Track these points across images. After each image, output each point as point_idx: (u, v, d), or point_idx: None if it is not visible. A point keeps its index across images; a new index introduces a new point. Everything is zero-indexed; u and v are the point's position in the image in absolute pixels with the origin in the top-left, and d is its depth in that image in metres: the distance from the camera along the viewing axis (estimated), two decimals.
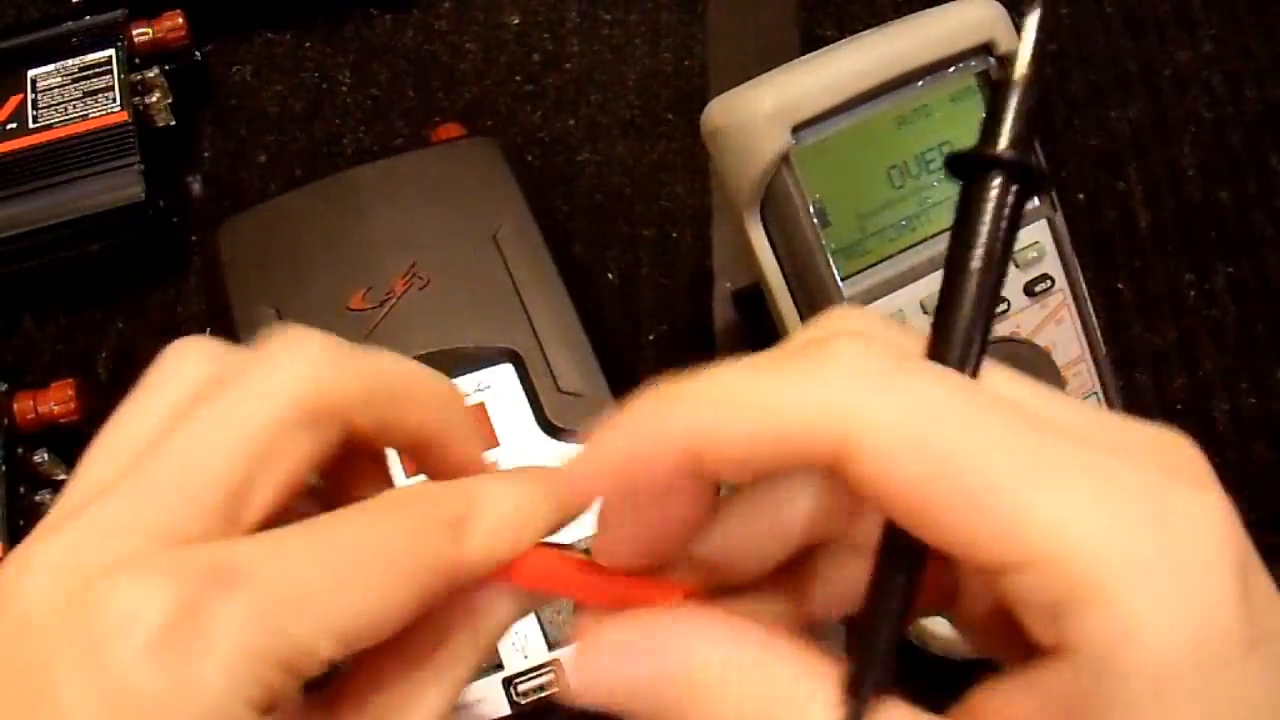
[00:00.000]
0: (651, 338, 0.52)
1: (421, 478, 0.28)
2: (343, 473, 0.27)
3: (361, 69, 0.59)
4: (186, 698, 0.20)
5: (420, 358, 0.43)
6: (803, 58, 0.40)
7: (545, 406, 0.43)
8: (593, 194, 0.56)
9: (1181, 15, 0.60)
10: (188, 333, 0.54)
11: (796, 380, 0.20)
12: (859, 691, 0.20)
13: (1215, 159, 0.56)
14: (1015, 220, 0.21)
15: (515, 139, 0.56)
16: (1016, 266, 0.41)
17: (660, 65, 0.59)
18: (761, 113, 0.38)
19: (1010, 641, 0.21)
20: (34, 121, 0.52)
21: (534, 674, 0.38)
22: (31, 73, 0.54)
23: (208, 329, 0.52)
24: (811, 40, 0.60)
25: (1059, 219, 0.42)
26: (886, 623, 0.20)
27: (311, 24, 0.61)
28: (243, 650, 0.21)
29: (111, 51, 0.54)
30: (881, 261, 0.40)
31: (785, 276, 0.40)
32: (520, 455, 0.42)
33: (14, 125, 0.52)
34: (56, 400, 0.46)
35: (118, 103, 0.53)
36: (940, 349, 0.22)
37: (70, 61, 0.54)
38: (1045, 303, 0.42)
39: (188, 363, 0.26)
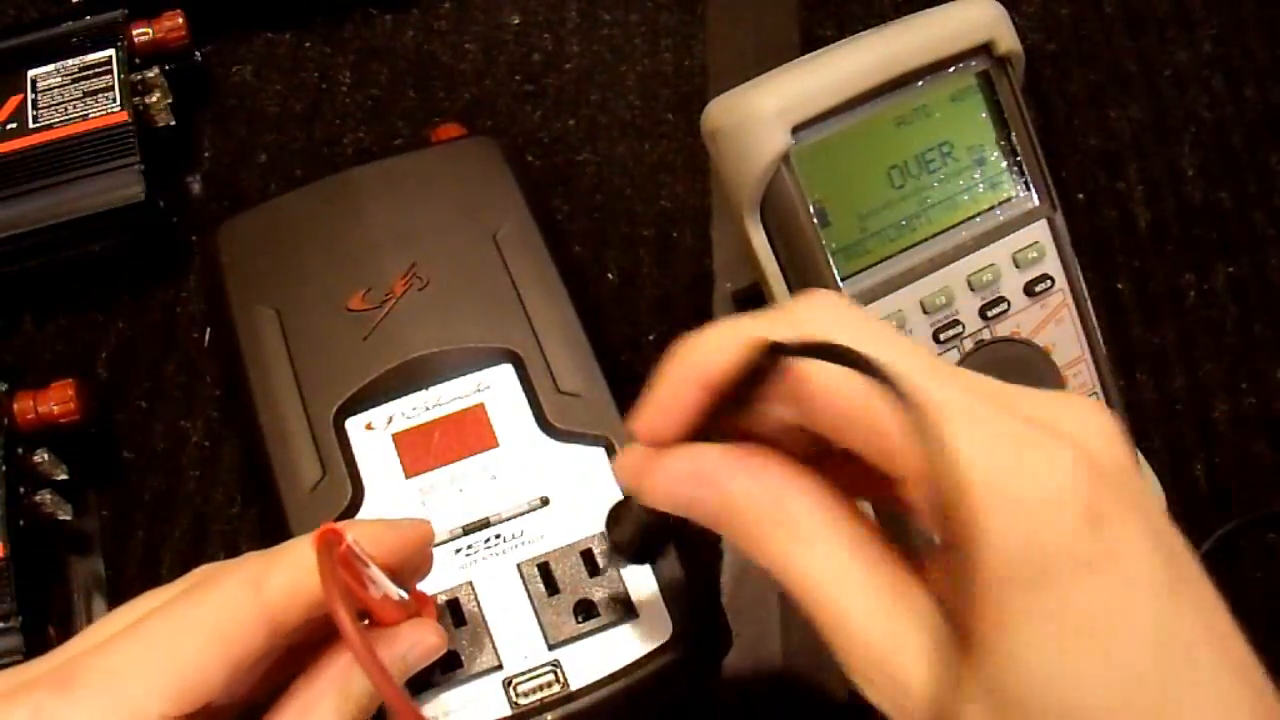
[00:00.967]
0: (651, 338, 0.52)
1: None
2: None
3: (361, 69, 0.59)
4: None
5: (420, 358, 0.44)
6: (803, 58, 0.40)
7: (545, 407, 0.43)
8: (593, 194, 0.56)
9: (1181, 15, 0.60)
10: (187, 333, 0.54)
11: (772, 323, 0.28)
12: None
13: (1215, 159, 0.56)
14: None
15: (515, 139, 0.56)
16: (1016, 267, 0.41)
17: (660, 65, 0.59)
18: (761, 113, 0.38)
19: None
20: (34, 121, 0.52)
21: (534, 674, 0.38)
22: (31, 73, 0.54)
23: (208, 329, 0.52)
24: (811, 40, 0.60)
25: (1059, 219, 0.42)
26: None
27: (311, 24, 0.61)
28: None
29: (111, 51, 0.54)
30: (881, 261, 0.40)
31: (785, 277, 0.40)
32: (520, 455, 0.42)
33: (14, 125, 0.52)
34: (56, 400, 0.46)
35: (118, 103, 0.53)
36: None
37: (70, 61, 0.54)
38: (1045, 303, 0.42)
39: None
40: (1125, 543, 0.25)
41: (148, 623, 0.30)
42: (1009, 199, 0.42)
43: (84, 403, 0.47)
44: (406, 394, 0.43)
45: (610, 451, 0.42)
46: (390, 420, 0.43)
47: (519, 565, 0.40)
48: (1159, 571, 0.25)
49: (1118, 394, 0.43)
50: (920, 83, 0.40)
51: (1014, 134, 0.42)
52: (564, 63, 0.59)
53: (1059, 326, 0.42)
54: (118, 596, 0.47)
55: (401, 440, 0.42)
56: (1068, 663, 0.25)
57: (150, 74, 0.55)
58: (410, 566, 0.35)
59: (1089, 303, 0.43)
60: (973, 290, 0.41)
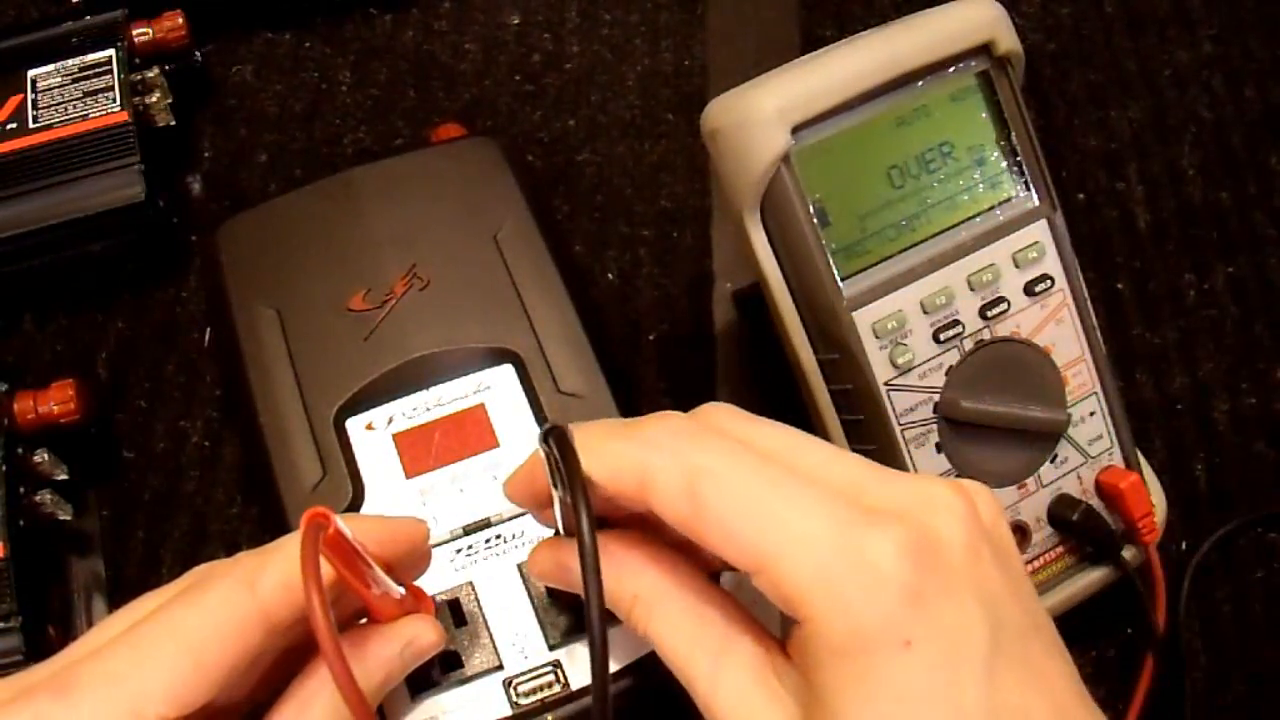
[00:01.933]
0: (651, 338, 0.52)
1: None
2: None
3: (361, 69, 0.59)
4: None
5: (420, 358, 0.44)
6: (803, 58, 0.40)
7: (545, 407, 0.43)
8: (593, 194, 0.56)
9: (1181, 15, 0.60)
10: (188, 333, 0.54)
11: (624, 441, 0.31)
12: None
13: (1215, 159, 0.56)
14: None
15: (515, 139, 0.56)
16: (1016, 267, 0.41)
17: (660, 65, 0.59)
18: (761, 113, 0.38)
19: None
20: (34, 121, 0.52)
21: (534, 674, 0.38)
22: (31, 73, 0.54)
23: (208, 329, 0.52)
24: (811, 40, 0.60)
25: (1059, 219, 0.42)
26: None
27: (311, 24, 0.61)
28: None
29: (111, 51, 0.54)
30: (881, 261, 0.40)
31: (785, 276, 0.40)
32: (521, 455, 0.42)
33: (14, 125, 0.52)
34: (56, 400, 0.46)
35: (118, 103, 0.53)
36: None
37: (70, 61, 0.54)
38: (1045, 303, 0.42)
39: None
40: (947, 619, 0.27)
41: (144, 626, 0.30)
42: (1009, 199, 0.42)
43: (84, 403, 0.47)
44: (407, 394, 0.43)
45: None
46: (391, 420, 0.43)
47: (519, 565, 0.40)
48: (984, 646, 0.27)
49: (1118, 394, 0.43)
50: (920, 83, 0.40)
51: (1014, 134, 0.42)
52: (564, 63, 0.59)
53: (1059, 326, 0.42)
54: (118, 596, 0.47)
55: (402, 440, 0.42)
56: None
57: (150, 74, 0.55)
58: (407, 563, 0.35)
59: (1089, 303, 0.43)
60: (973, 290, 0.41)
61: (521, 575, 0.40)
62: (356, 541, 0.30)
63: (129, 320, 0.53)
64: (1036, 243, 0.41)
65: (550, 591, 0.39)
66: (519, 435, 0.42)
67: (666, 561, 0.33)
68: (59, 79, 0.54)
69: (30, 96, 0.53)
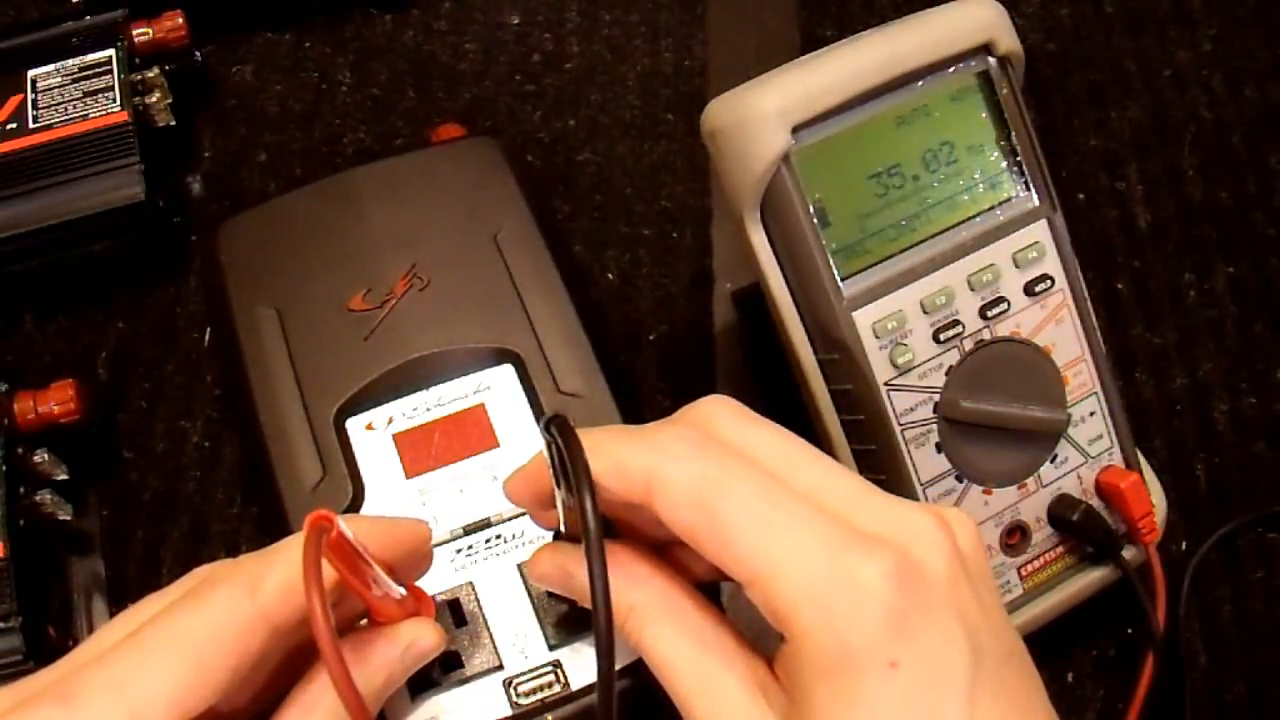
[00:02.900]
0: (651, 338, 0.52)
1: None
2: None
3: (361, 69, 0.59)
4: None
5: (421, 358, 0.43)
6: (803, 58, 0.40)
7: (545, 407, 0.42)
8: (593, 194, 0.56)
9: (1181, 15, 0.60)
10: (187, 333, 0.54)
11: (633, 445, 0.32)
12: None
13: (1215, 159, 0.56)
14: None
15: (515, 139, 0.56)
16: (1016, 267, 0.41)
17: (660, 65, 0.59)
18: (761, 113, 0.38)
19: None
20: (34, 121, 0.52)
21: (534, 674, 0.38)
22: (31, 73, 0.54)
23: (208, 329, 0.52)
24: (811, 40, 0.60)
25: (1059, 219, 0.42)
26: None
27: (311, 24, 0.61)
28: None
29: (111, 51, 0.54)
30: (881, 261, 0.40)
31: (785, 276, 0.40)
32: (520, 456, 0.42)
33: (14, 125, 0.52)
34: (56, 400, 0.46)
35: (118, 103, 0.53)
36: None
37: (70, 61, 0.54)
38: (1045, 303, 0.42)
39: None
40: (931, 644, 0.28)
41: (147, 631, 0.30)
42: (1009, 199, 0.42)
43: (84, 403, 0.47)
44: (407, 394, 0.43)
45: None
46: (391, 420, 0.43)
47: (519, 565, 0.40)
48: (965, 671, 0.28)
49: (1117, 394, 0.43)
50: (920, 83, 0.40)
51: (1014, 134, 0.42)
52: (564, 63, 0.59)
53: (1059, 326, 0.42)
54: (118, 596, 0.47)
55: (402, 440, 0.42)
56: None
57: (150, 74, 0.55)
58: (408, 564, 0.35)
59: (1089, 303, 0.43)
60: (973, 290, 0.41)
61: (521, 575, 0.40)
62: (358, 543, 0.30)
63: (129, 320, 0.53)
64: (1036, 243, 0.41)
65: (551, 592, 0.39)
66: (519, 435, 0.42)
67: (665, 575, 0.33)
68: (59, 79, 0.54)
69: (30, 96, 0.53)
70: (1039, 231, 0.42)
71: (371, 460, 0.42)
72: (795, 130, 0.39)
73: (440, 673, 0.38)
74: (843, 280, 0.40)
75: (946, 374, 0.41)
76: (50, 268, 0.52)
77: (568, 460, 0.31)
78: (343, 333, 0.44)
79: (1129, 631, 0.45)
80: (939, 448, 0.41)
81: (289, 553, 0.31)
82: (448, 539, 0.40)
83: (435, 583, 0.39)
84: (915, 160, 0.41)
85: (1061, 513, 0.42)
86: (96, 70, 0.54)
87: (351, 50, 0.60)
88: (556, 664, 0.38)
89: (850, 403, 0.41)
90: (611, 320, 0.52)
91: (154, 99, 0.55)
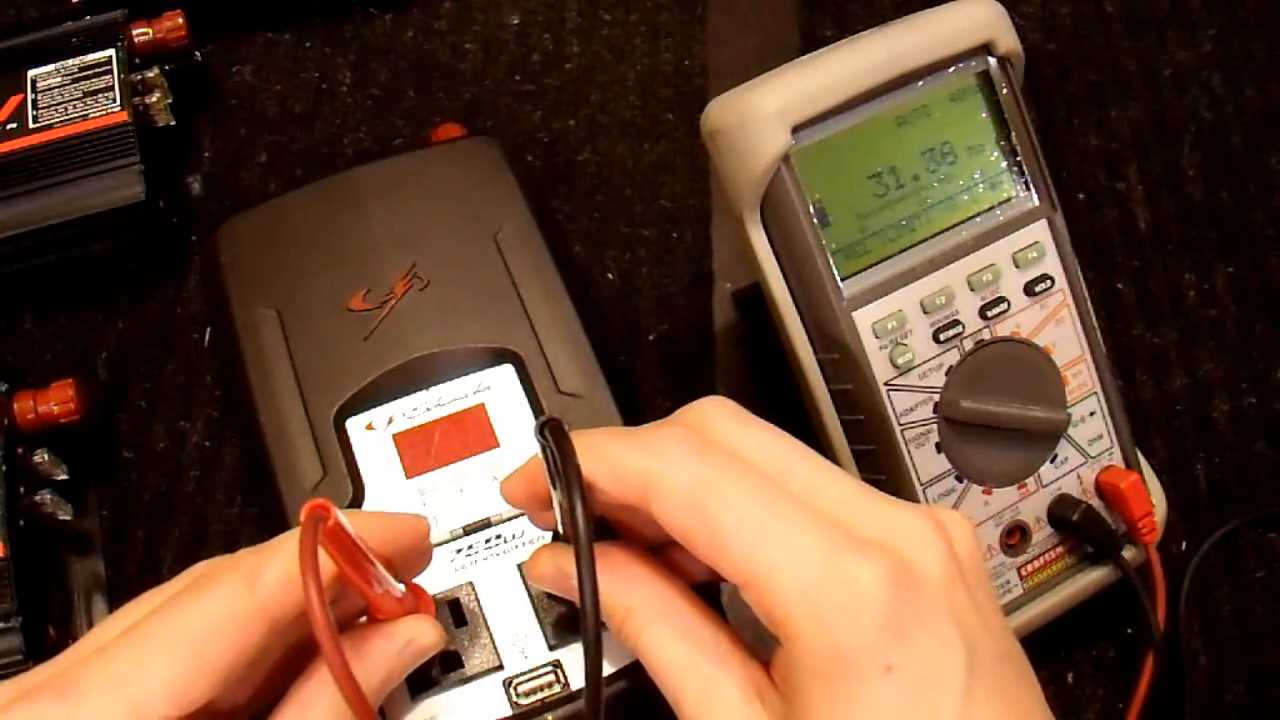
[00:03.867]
0: (651, 338, 0.52)
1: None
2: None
3: (361, 69, 0.59)
4: None
5: (420, 358, 0.43)
6: (803, 58, 0.40)
7: (545, 407, 0.43)
8: (593, 194, 0.56)
9: (1181, 15, 0.60)
10: (187, 333, 0.54)
11: (630, 447, 0.32)
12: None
13: (1215, 159, 0.56)
14: None
15: (515, 139, 0.56)
16: (1016, 267, 0.41)
17: (660, 65, 0.59)
18: (761, 113, 0.38)
19: None
20: (34, 121, 0.52)
21: (534, 674, 0.38)
22: (31, 73, 0.54)
23: (208, 329, 0.52)
24: (811, 40, 0.60)
25: (1059, 219, 0.42)
26: None
27: (311, 24, 0.61)
28: None
29: (111, 51, 0.54)
30: (881, 261, 0.40)
31: (785, 276, 0.40)
32: (520, 455, 0.42)
33: (14, 125, 0.52)
34: (56, 400, 0.46)
35: (118, 103, 0.53)
36: None
37: (70, 61, 0.54)
38: (1045, 303, 0.42)
39: None
40: (926, 648, 0.28)
41: (146, 625, 0.30)
42: (1009, 199, 0.42)
43: (84, 403, 0.47)
44: (407, 394, 0.43)
45: None
46: (391, 420, 0.43)
47: (519, 565, 0.40)
48: (961, 674, 0.28)
49: (1118, 394, 0.43)
50: (920, 83, 0.40)
51: (1014, 134, 0.42)
52: (564, 63, 0.59)
53: (1059, 326, 0.42)
54: (118, 596, 0.47)
55: (402, 440, 0.42)
56: None
57: (150, 74, 0.55)
58: (408, 560, 0.35)
59: (1089, 303, 0.43)
60: (973, 290, 0.41)
61: (521, 575, 0.40)
62: (358, 538, 0.30)
63: (129, 320, 0.53)
64: (1036, 243, 0.41)
65: (550, 593, 0.39)
66: (519, 435, 0.42)
67: (662, 578, 0.33)
68: (59, 79, 0.54)
69: (30, 96, 0.53)
70: (1039, 231, 0.42)
71: (371, 460, 0.42)
72: (795, 130, 0.39)
73: (440, 673, 0.38)
74: (843, 280, 0.40)
75: (946, 374, 0.41)
76: (50, 268, 0.52)
77: (560, 465, 0.31)
78: (343, 333, 0.44)
79: (1129, 631, 0.45)
80: (939, 448, 0.41)
81: (288, 546, 0.31)
82: (448, 539, 0.40)
83: (435, 582, 0.39)
84: (915, 160, 0.41)
85: (1061, 513, 0.42)
86: (96, 70, 0.54)
87: (351, 50, 0.60)
88: (556, 664, 0.38)
89: (850, 403, 0.41)
90: (611, 320, 0.52)
91: (154, 99, 0.55)
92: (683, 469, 0.31)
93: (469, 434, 0.42)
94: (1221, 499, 0.48)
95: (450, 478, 0.42)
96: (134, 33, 0.55)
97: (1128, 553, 0.43)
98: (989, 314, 0.41)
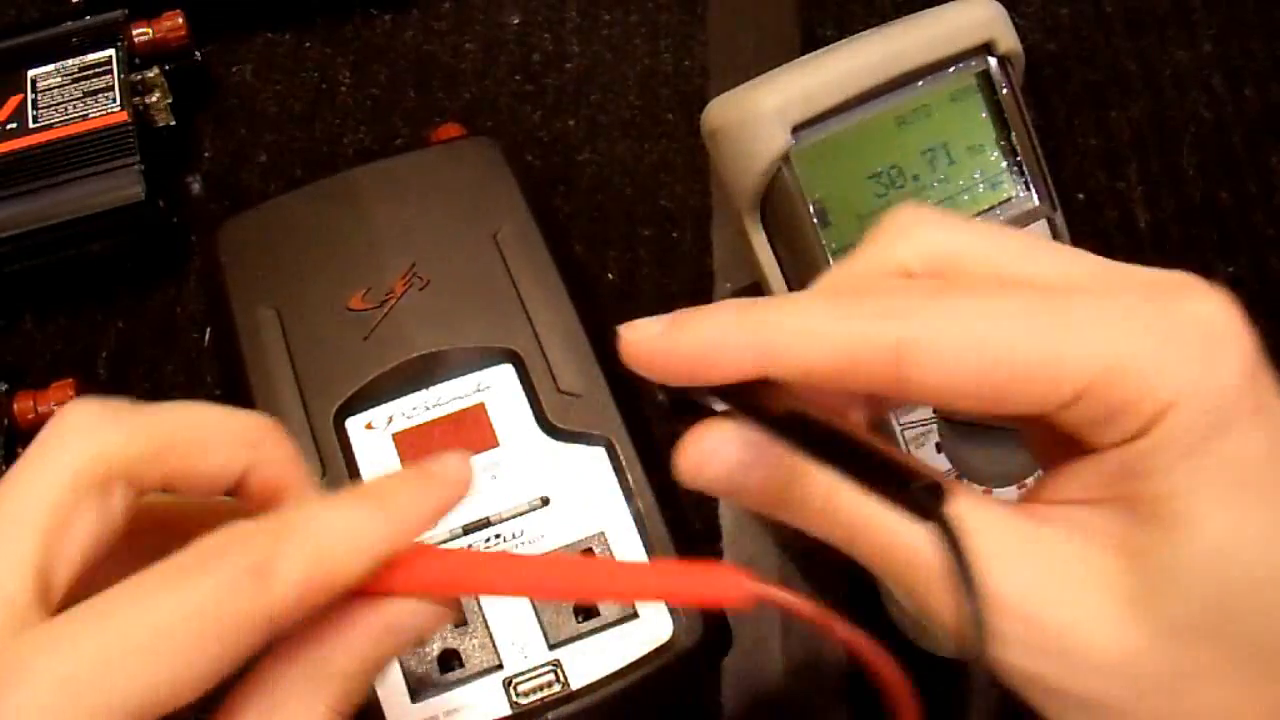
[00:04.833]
0: None
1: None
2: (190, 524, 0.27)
3: (361, 69, 0.59)
4: None
5: (420, 358, 0.43)
6: (803, 58, 0.40)
7: (545, 407, 0.43)
8: (593, 194, 0.56)
9: (1181, 15, 0.60)
10: (187, 333, 0.54)
11: (859, 317, 0.25)
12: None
13: (1215, 159, 0.56)
14: None
15: (515, 139, 0.56)
16: None
17: (660, 65, 0.59)
18: (761, 113, 0.38)
19: (1068, 451, 0.26)
20: (34, 121, 0.52)
21: (534, 674, 0.38)
22: (31, 73, 0.54)
23: (208, 329, 0.52)
24: (811, 40, 0.60)
25: (1059, 219, 0.42)
26: None
27: (311, 24, 0.61)
28: None
29: (111, 51, 0.54)
30: None
31: (785, 276, 0.40)
32: (520, 455, 0.42)
33: (14, 125, 0.52)
34: (56, 400, 0.46)
35: (118, 103, 0.53)
36: None
37: (70, 61, 0.54)
38: None
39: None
40: (1269, 381, 0.25)
41: (118, 612, 0.24)
42: (1009, 199, 0.42)
43: None
44: (407, 394, 0.43)
45: (610, 451, 0.42)
46: (390, 420, 0.43)
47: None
48: None
49: None
50: (920, 83, 0.40)
51: (1014, 134, 0.42)
52: (564, 63, 0.59)
53: None
54: None
55: (402, 440, 0.42)
56: (1251, 519, 0.24)
57: (150, 74, 0.55)
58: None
59: None
60: None
61: None
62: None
63: (129, 320, 0.53)
64: None
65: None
66: (519, 435, 0.42)
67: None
68: (59, 79, 0.54)
69: (30, 96, 0.53)
70: (1039, 231, 0.42)
71: (371, 460, 0.42)
72: (795, 130, 0.39)
73: (440, 672, 0.38)
74: None
75: None
76: (50, 268, 0.52)
77: (966, 589, 0.22)
78: (342, 332, 0.44)
79: None
80: (939, 448, 0.41)
81: (311, 531, 0.25)
82: (447, 538, 0.40)
83: None
84: (915, 160, 0.41)
85: None
86: (96, 70, 0.54)
87: (351, 50, 0.60)
88: (556, 664, 0.38)
89: None
90: (611, 320, 0.52)
91: (154, 99, 0.55)
92: (936, 314, 0.25)
93: (469, 433, 0.42)
94: None
95: None
96: (134, 33, 0.55)
97: None
98: None
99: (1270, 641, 0.24)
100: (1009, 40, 0.41)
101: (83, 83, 0.53)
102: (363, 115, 0.58)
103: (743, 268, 0.52)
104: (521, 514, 0.41)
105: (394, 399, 0.43)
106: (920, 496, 0.22)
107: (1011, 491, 0.42)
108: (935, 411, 0.41)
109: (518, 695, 0.38)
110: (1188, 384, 0.24)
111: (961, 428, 0.41)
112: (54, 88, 0.53)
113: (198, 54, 0.57)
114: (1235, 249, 0.54)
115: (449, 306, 0.45)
